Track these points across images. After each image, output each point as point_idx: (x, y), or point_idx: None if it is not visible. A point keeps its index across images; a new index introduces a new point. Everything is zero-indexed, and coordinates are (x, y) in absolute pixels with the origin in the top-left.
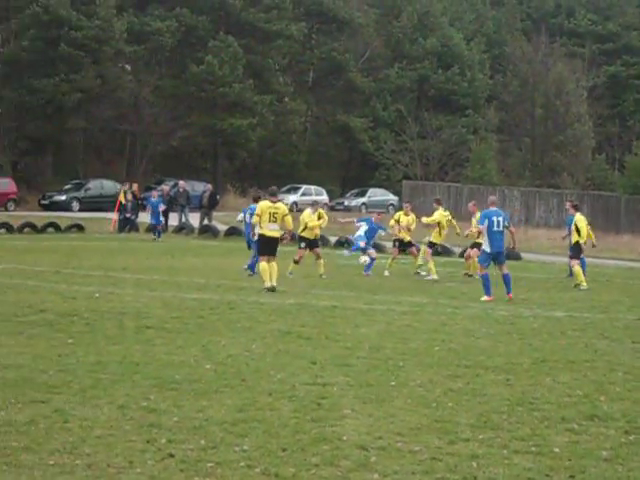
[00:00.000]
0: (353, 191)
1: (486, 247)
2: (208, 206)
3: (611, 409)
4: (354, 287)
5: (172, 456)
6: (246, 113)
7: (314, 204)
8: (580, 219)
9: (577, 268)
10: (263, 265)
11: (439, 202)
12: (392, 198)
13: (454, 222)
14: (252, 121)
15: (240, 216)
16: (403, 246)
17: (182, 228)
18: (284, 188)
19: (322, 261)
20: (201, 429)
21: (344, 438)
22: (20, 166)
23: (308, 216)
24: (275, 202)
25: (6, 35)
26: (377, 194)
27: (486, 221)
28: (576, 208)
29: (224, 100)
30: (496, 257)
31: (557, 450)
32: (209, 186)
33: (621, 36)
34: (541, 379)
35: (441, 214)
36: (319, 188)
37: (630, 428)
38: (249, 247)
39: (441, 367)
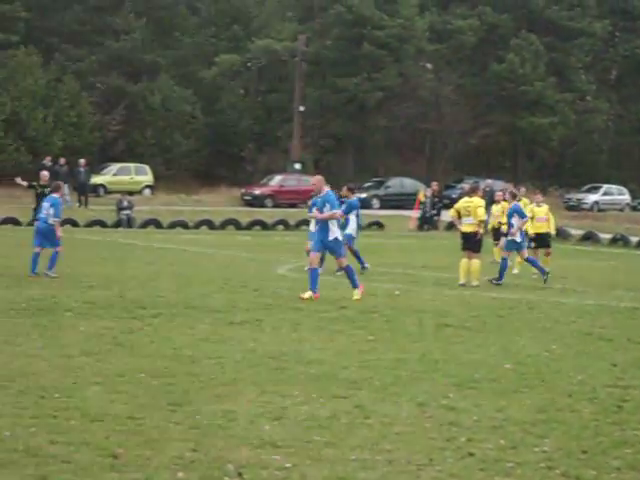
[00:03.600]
0: None
1: None
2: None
3: None
4: None
5: (472, 455)
6: (547, 111)
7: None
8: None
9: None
10: (463, 261)
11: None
12: None
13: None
14: (553, 120)
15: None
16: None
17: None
18: (584, 187)
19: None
20: (500, 429)
21: None
22: (322, 163)
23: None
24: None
25: (311, 34)
26: None
27: None
28: None
29: (525, 98)
30: None
31: None
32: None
33: None
34: None
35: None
36: (621, 187)
37: None
38: None
39: None
